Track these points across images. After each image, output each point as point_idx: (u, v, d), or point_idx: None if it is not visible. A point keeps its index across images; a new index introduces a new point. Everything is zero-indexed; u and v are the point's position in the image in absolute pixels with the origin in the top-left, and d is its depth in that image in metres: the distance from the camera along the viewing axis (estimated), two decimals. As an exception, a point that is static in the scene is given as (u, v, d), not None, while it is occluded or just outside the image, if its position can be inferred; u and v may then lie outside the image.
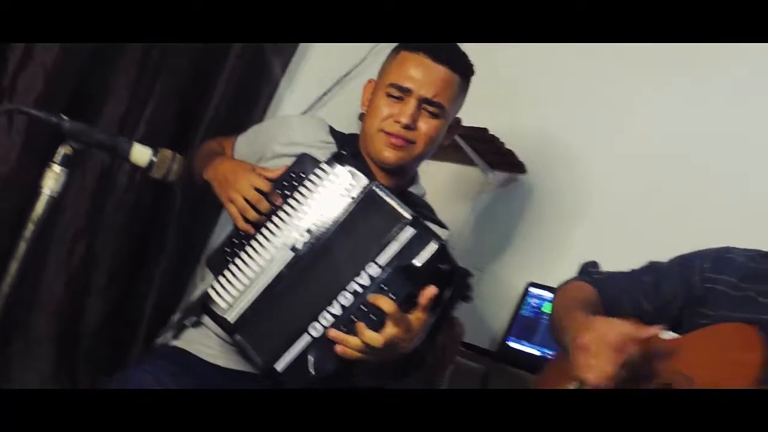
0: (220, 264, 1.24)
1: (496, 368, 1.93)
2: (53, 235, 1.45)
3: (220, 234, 1.75)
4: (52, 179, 1.04)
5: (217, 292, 1.22)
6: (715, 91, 1.93)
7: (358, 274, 1.12)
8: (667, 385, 1.01)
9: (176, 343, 1.34)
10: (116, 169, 1.46)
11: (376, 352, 1.09)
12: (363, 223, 1.18)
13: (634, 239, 1.86)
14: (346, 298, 1.12)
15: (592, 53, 2.11)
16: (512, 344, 2.02)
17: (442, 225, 1.40)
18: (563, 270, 1.73)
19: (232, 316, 1.20)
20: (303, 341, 1.13)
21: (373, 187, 1.19)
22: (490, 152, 2.12)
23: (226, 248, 1.26)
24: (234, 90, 1.70)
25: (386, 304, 1.07)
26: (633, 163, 2.01)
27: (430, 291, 1.09)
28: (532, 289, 2.03)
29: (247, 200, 1.23)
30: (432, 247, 1.11)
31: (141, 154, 1.13)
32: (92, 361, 1.55)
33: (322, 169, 1.22)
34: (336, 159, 1.23)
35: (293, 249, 1.19)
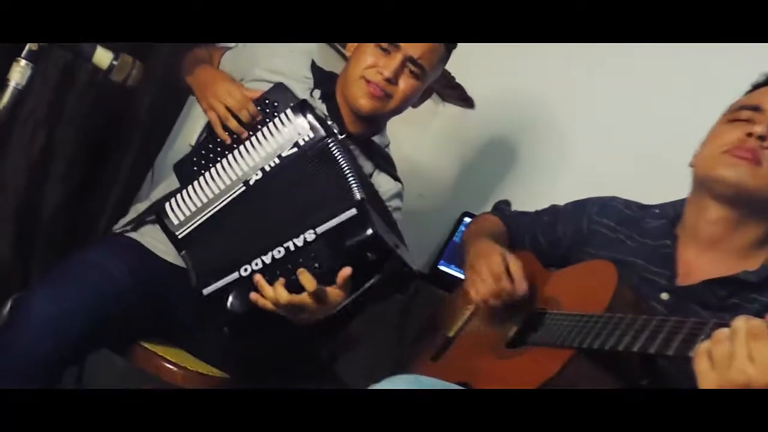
0: (186, 174, 1.32)
1: (426, 289, 2.09)
2: (17, 122, 1.51)
3: (176, 138, 1.84)
4: (18, 72, 1.11)
5: (172, 208, 1.29)
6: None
7: (296, 235, 1.15)
8: (542, 309, 1.18)
9: (132, 234, 1.42)
10: (78, 67, 1.52)
11: (285, 310, 1.13)
12: (313, 176, 1.23)
13: (561, 181, 2.03)
14: (279, 252, 1.15)
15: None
16: (442, 267, 2.19)
17: (397, 179, 1.50)
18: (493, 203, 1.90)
19: (180, 232, 1.28)
20: (231, 276, 1.17)
21: (329, 143, 1.23)
22: (441, 85, 2.22)
23: (193, 158, 1.33)
24: None
25: (307, 280, 1.10)
26: (575, 109, 2.14)
27: (345, 272, 1.10)
28: (466, 219, 2.17)
29: (226, 108, 1.30)
30: (365, 235, 1.12)
31: (102, 57, 1.21)
32: (50, 245, 1.64)
33: (286, 116, 1.27)
34: (300, 108, 1.28)
35: (245, 183, 1.26)
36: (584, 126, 2.12)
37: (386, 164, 1.50)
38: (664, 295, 1.12)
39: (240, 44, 1.52)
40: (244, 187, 1.26)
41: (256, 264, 1.16)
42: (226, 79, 1.38)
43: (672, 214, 1.21)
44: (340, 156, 1.21)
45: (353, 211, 1.13)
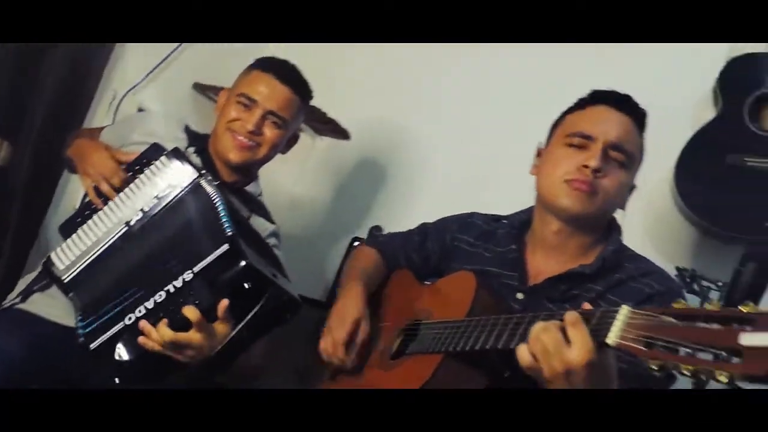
0: (70, 231, 1.39)
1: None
2: None
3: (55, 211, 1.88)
4: None
5: (58, 256, 1.37)
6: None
7: (175, 277, 1.21)
8: (417, 320, 1.31)
9: (22, 306, 1.46)
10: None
11: (173, 349, 1.18)
12: (188, 215, 1.33)
13: (432, 199, 2.20)
14: (160, 297, 1.21)
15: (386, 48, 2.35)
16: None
17: (271, 221, 1.64)
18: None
19: (66, 276, 1.34)
20: (117, 327, 1.22)
21: (201, 181, 1.34)
22: (313, 120, 2.34)
23: (77, 218, 1.41)
24: (58, 95, 1.81)
25: (189, 312, 1.17)
26: (433, 140, 2.32)
27: (223, 304, 1.18)
28: (356, 244, 2.30)
29: (100, 174, 1.40)
30: (239, 266, 1.20)
31: None
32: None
33: (162, 162, 1.39)
34: (173, 154, 1.39)
35: (127, 224, 1.35)
36: (439, 143, 2.30)
37: (260, 210, 1.64)
38: (519, 295, 1.27)
39: (116, 121, 1.65)
40: (125, 227, 1.34)
41: (140, 311, 1.22)
42: (99, 148, 1.48)
43: (518, 222, 1.37)
44: (211, 191, 1.32)
45: (225, 246, 1.21)
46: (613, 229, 1.31)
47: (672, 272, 1.61)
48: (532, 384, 0.97)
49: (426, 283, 1.46)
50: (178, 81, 1.87)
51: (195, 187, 1.35)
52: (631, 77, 1.95)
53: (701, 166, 1.82)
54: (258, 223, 1.61)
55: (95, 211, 1.40)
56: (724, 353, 0.73)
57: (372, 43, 2.23)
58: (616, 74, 1.98)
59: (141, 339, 1.19)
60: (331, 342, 1.33)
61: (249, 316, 1.22)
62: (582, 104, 1.32)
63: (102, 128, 1.66)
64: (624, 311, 0.85)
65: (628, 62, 2.04)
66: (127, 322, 1.22)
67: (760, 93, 1.80)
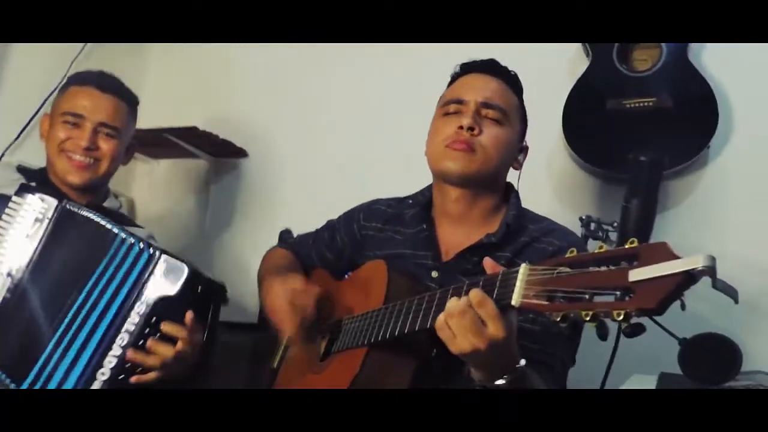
0: None
1: (263, 336, 2.15)
2: None
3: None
4: None
5: None
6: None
7: (127, 315, 1.24)
8: (339, 320, 1.31)
9: None
10: None
11: (168, 367, 1.25)
12: (76, 240, 1.32)
13: (328, 199, 2.18)
14: (122, 340, 1.23)
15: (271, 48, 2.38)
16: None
17: (139, 226, 1.61)
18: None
19: None
20: (97, 385, 1.22)
21: (66, 205, 1.34)
22: (208, 145, 2.32)
23: None
24: None
25: (171, 328, 1.25)
26: (324, 138, 2.34)
27: (189, 315, 1.26)
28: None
29: None
30: (184, 274, 1.26)
31: None
32: None
33: (15, 201, 1.34)
34: (23, 189, 1.36)
35: (9, 274, 1.30)
36: (342, 134, 2.31)
37: (127, 221, 1.60)
38: (434, 273, 1.29)
39: None
40: (9, 279, 1.30)
41: (110, 361, 1.24)
42: None
43: (423, 200, 1.39)
44: (82, 210, 1.33)
45: (163, 264, 1.26)
46: (511, 193, 1.35)
47: (577, 224, 1.68)
48: (458, 360, 0.99)
49: (346, 276, 1.46)
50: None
51: (62, 214, 1.33)
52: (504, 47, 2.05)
53: (584, 114, 1.89)
54: (133, 230, 1.57)
55: None
56: (618, 293, 0.76)
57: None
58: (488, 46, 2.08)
59: (134, 378, 1.24)
60: (288, 307, 1.29)
61: (211, 313, 1.32)
62: (453, 78, 1.38)
63: None
64: (522, 270, 0.88)
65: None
66: (101, 378, 1.23)
67: (624, 37, 1.88)
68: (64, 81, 1.59)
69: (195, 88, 2.54)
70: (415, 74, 2.20)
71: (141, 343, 1.24)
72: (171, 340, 1.26)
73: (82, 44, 2.26)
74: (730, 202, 1.81)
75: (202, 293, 1.29)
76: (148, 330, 1.25)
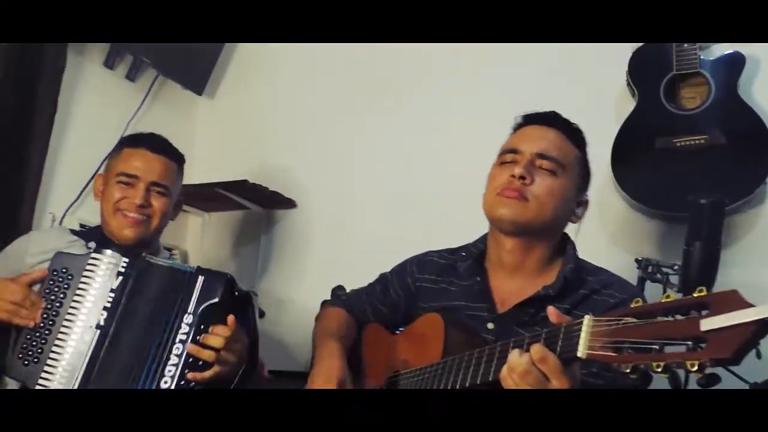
0: (20, 370, 1.40)
1: None
2: None
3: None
4: None
5: (47, 379, 1.38)
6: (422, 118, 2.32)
7: (178, 327, 1.41)
8: (396, 372, 1.30)
9: None
10: None
11: (222, 362, 1.39)
12: (152, 288, 1.46)
13: (385, 247, 2.19)
14: (177, 348, 1.39)
15: (316, 91, 2.45)
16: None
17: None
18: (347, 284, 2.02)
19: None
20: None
21: (145, 258, 1.49)
22: (257, 197, 2.37)
23: (18, 355, 1.41)
24: None
25: (215, 340, 1.39)
26: (374, 187, 2.36)
27: (230, 319, 1.42)
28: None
29: (13, 303, 1.42)
30: (223, 282, 1.45)
31: None
32: None
33: (94, 258, 1.45)
34: (100, 246, 1.49)
35: (97, 326, 1.42)
36: (393, 184, 2.34)
37: None
38: (490, 325, 1.27)
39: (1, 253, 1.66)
40: (98, 330, 1.42)
41: (169, 370, 1.39)
42: (3, 283, 1.46)
43: (476, 252, 1.38)
44: (158, 261, 1.51)
45: (201, 278, 1.45)
46: (568, 245, 1.34)
47: (632, 266, 1.64)
48: None
49: (398, 331, 1.45)
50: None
51: (145, 266, 1.48)
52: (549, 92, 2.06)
53: (634, 154, 1.87)
54: None
55: (44, 329, 1.42)
56: (690, 343, 0.74)
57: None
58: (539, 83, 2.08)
59: (190, 375, 1.38)
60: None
61: (250, 314, 1.49)
62: (514, 129, 1.39)
63: None
64: (587, 322, 0.86)
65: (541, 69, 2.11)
66: (164, 386, 1.39)
67: (670, 76, 1.87)
68: (117, 143, 1.68)
69: (241, 142, 2.61)
70: (467, 126, 2.21)
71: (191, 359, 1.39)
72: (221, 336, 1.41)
73: (135, 108, 2.36)
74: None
75: (241, 298, 1.48)
76: (198, 336, 1.40)
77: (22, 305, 1.42)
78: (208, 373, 1.39)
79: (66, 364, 1.40)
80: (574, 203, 1.33)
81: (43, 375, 1.39)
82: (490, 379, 1.01)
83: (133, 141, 1.65)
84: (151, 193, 1.59)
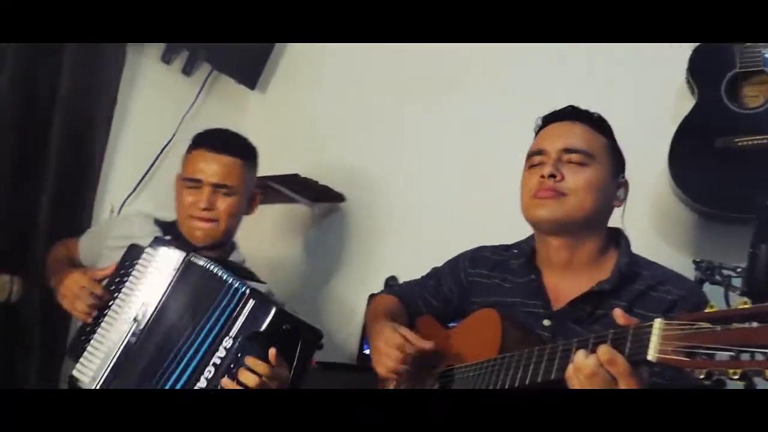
0: (77, 350, 1.44)
1: (361, 379, 2.16)
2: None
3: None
4: None
5: (81, 371, 1.41)
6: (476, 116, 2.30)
7: (215, 348, 1.32)
8: (450, 366, 1.31)
9: None
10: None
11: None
12: (194, 288, 1.41)
13: (432, 245, 2.19)
14: (209, 372, 1.32)
15: (369, 89, 2.46)
16: (367, 352, 2.29)
17: (261, 281, 1.66)
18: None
19: (96, 386, 1.39)
20: None
21: (191, 258, 1.44)
22: (307, 190, 2.39)
23: (81, 336, 1.46)
24: (57, 198, 1.87)
25: (249, 379, 1.29)
26: (422, 182, 2.36)
27: (272, 352, 1.30)
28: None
29: (77, 297, 1.44)
30: (272, 313, 1.33)
31: None
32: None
33: (148, 253, 1.46)
34: (156, 242, 1.49)
35: (135, 319, 1.41)
36: (441, 177, 2.33)
37: (250, 276, 1.66)
38: (546, 322, 1.27)
39: (90, 229, 1.73)
40: (134, 323, 1.41)
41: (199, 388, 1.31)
42: (75, 273, 1.50)
43: (527, 250, 1.38)
44: (204, 262, 1.42)
45: (252, 302, 1.34)
46: (621, 239, 1.32)
47: (690, 267, 1.61)
48: None
49: (450, 325, 1.46)
50: (173, 179, 1.92)
51: (188, 266, 1.43)
52: (604, 84, 2.03)
53: (693, 154, 1.82)
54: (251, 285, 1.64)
55: (95, 325, 1.44)
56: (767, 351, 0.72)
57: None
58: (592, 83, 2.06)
59: None
60: (387, 346, 1.30)
61: (298, 352, 1.36)
62: (537, 131, 1.40)
63: (75, 240, 1.72)
64: (657, 324, 0.85)
65: (597, 68, 2.08)
66: None
67: (732, 74, 1.82)
68: (190, 141, 1.70)
69: (292, 136, 2.64)
70: (517, 116, 2.20)
71: (226, 377, 1.30)
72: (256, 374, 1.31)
73: (191, 102, 2.41)
74: None
75: (289, 333, 1.35)
76: (233, 364, 1.31)
77: (82, 300, 1.45)
78: None
79: (102, 354, 1.41)
80: (613, 188, 1.32)
81: (82, 361, 1.42)
82: (552, 377, 1.01)
83: (197, 142, 1.67)
84: (217, 195, 1.60)
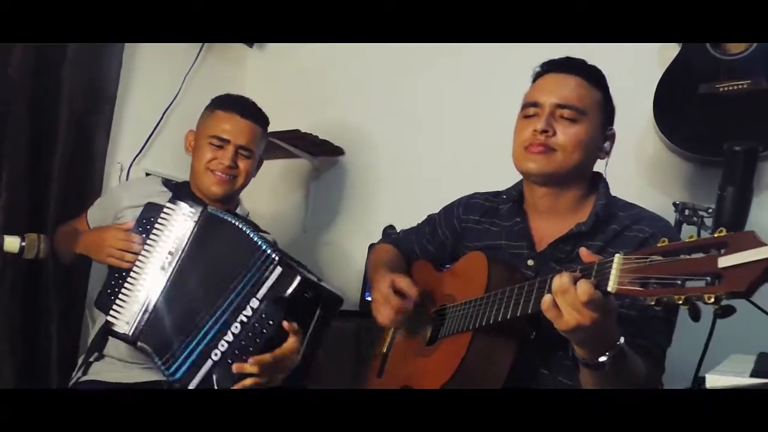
0: (107, 302, 1.56)
1: (365, 323, 2.29)
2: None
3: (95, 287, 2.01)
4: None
5: (116, 318, 1.54)
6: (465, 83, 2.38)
7: (242, 306, 1.44)
8: (443, 305, 1.42)
9: (85, 378, 1.62)
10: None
11: (272, 372, 1.43)
12: (222, 244, 1.54)
13: (428, 194, 2.27)
14: (236, 328, 1.44)
15: (368, 53, 2.52)
16: (369, 298, 2.39)
17: (265, 232, 1.79)
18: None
19: (131, 331, 1.52)
20: (207, 365, 1.44)
21: (209, 210, 1.58)
22: (307, 145, 2.48)
23: (108, 290, 1.57)
24: (69, 161, 1.96)
25: (287, 325, 1.43)
26: (418, 135, 2.45)
27: (293, 326, 1.44)
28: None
29: (120, 249, 1.56)
30: (297, 281, 1.44)
31: (11, 243, 1.42)
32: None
33: (169, 207, 1.58)
34: (176, 197, 1.61)
35: (162, 268, 1.53)
36: (436, 130, 2.42)
37: (256, 228, 1.78)
38: (530, 262, 1.37)
39: (97, 200, 1.83)
40: (163, 271, 1.53)
41: (222, 345, 1.44)
42: (103, 230, 1.63)
43: (515, 195, 1.46)
44: (230, 218, 1.55)
45: (279, 269, 1.45)
46: (600, 183, 1.40)
47: (670, 209, 1.70)
48: (556, 340, 1.08)
49: (444, 268, 1.56)
50: (178, 138, 1.99)
51: (208, 218, 1.56)
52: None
53: (676, 99, 1.90)
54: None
55: (123, 278, 1.55)
56: (708, 278, 0.82)
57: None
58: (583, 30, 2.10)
59: (236, 366, 1.40)
60: (382, 298, 1.42)
61: (315, 319, 1.49)
62: (534, 78, 1.43)
63: (82, 216, 1.82)
64: (617, 259, 0.95)
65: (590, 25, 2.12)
66: (214, 358, 1.44)
67: (715, 21, 1.87)
68: (209, 103, 1.81)
69: (291, 93, 2.71)
70: (507, 71, 2.25)
71: (250, 334, 1.43)
72: (272, 344, 1.43)
73: (191, 61, 2.47)
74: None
75: (311, 301, 1.48)
76: (257, 323, 1.43)
77: (127, 250, 1.56)
78: (250, 382, 1.42)
79: (135, 302, 1.53)
80: (600, 142, 1.38)
81: (115, 308, 1.54)
82: (530, 310, 1.11)
83: (224, 104, 1.77)
84: (239, 156, 1.74)
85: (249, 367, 1.41)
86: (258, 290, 1.45)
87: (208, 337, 1.45)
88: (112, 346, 1.62)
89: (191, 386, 1.43)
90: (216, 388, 1.42)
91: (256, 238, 1.51)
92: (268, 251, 1.48)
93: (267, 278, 1.45)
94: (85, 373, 1.63)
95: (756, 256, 0.77)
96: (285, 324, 1.43)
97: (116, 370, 1.61)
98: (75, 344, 1.95)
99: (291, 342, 1.45)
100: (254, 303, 1.44)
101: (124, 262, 1.56)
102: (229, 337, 1.43)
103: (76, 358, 1.78)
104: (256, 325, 1.43)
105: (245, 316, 1.44)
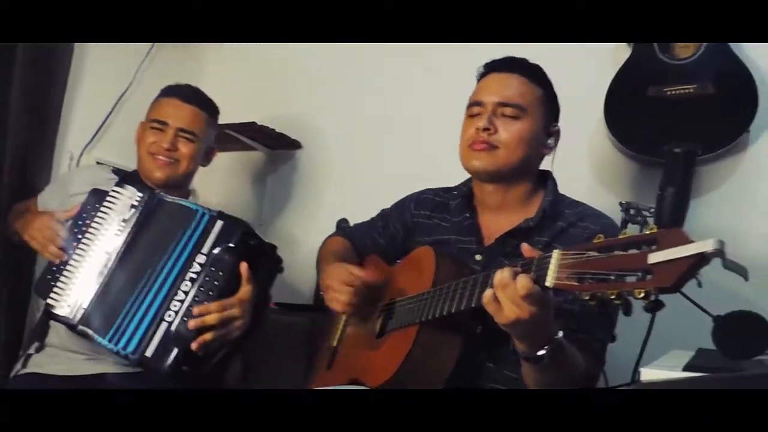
0: (46, 287, 1.53)
1: (319, 318, 2.29)
2: None
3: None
4: None
5: (56, 301, 1.51)
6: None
7: (189, 264, 1.47)
8: (392, 299, 1.43)
9: (25, 370, 1.58)
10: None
11: (225, 323, 1.46)
12: (165, 220, 1.55)
13: (378, 191, 2.29)
14: (186, 286, 1.46)
15: (326, 51, 2.51)
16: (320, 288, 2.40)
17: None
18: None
19: (72, 314, 1.49)
20: (162, 329, 1.45)
21: (158, 195, 1.59)
22: (264, 138, 2.47)
23: (48, 275, 1.55)
24: (17, 151, 1.92)
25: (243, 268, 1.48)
26: (374, 131, 2.46)
27: (243, 266, 1.49)
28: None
29: (45, 237, 1.54)
30: (241, 229, 1.52)
31: None
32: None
33: (116, 190, 1.58)
34: (123, 181, 1.62)
35: (106, 252, 1.53)
36: (392, 127, 2.44)
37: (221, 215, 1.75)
38: (478, 257, 1.39)
39: (48, 185, 1.82)
40: (106, 255, 1.53)
41: (175, 305, 1.46)
42: (36, 216, 1.62)
43: (465, 191, 1.49)
44: (171, 198, 1.58)
45: (221, 222, 1.51)
46: (549, 180, 1.44)
47: (617, 206, 1.75)
48: (502, 334, 1.10)
49: (396, 263, 1.58)
50: (130, 129, 1.96)
51: (154, 201, 1.56)
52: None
53: (626, 101, 1.95)
54: None
55: (64, 263, 1.53)
56: (639, 274, 0.85)
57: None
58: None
59: (191, 323, 1.43)
60: (339, 283, 1.42)
61: (262, 265, 1.55)
62: (479, 78, 1.47)
63: (33, 198, 1.80)
64: (555, 255, 0.97)
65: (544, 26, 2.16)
66: (168, 320, 1.45)
67: (664, 25, 1.93)
68: (158, 93, 1.81)
69: (249, 87, 2.70)
70: (462, 71, 2.27)
71: (202, 288, 1.46)
72: (226, 293, 1.47)
73: (146, 52, 2.44)
74: (768, 186, 1.84)
75: (255, 248, 1.54)
76: (208, 276, 1.46)
77: (52, 241, 1.54)
78: (209, 337, 1.45)
79: (76, 286, 1.51)
80: (544, 138, 1.42)
81: (56, 290, 1.52)
82: (473, 304, 1.13)
83: (167, 92, 1.78)
84: (179, 139, 1.72)
85: (209, 318, 1.44)
86: (202, 246, 1.48)
87: (157, 302, 1.46)
88: (54, 334, 1.59)
89: (148, 353, 1.43)
90: (175, 350, 1.42)
91: (194, 207, 1.53)
92: (206, 211, 1.52)
93: (209, 233, 1.49)
94: (24, 365, 1.60)
95: (683, 252, 0.80)
96: (242, 266, 1.48)
97: (60, 362, 1.58)
98: (20, 333, 1.90)
99: (245, 289, 1.50)
100: (201, 258, 1.48)
101: (46, 251, 1.54)
102: (180, 296, 1.45)
103: (20, 348, 1.74)
104: (207, 278, 1.46)
105: (193, 273, 1.47)
